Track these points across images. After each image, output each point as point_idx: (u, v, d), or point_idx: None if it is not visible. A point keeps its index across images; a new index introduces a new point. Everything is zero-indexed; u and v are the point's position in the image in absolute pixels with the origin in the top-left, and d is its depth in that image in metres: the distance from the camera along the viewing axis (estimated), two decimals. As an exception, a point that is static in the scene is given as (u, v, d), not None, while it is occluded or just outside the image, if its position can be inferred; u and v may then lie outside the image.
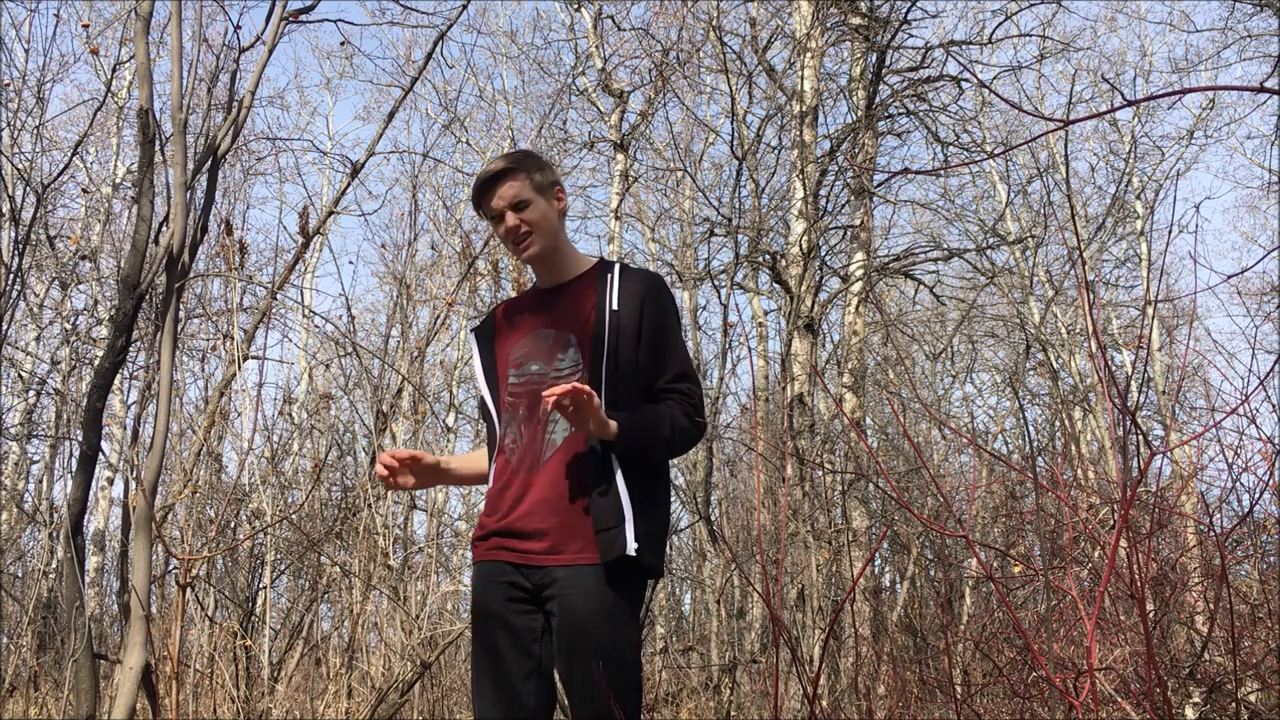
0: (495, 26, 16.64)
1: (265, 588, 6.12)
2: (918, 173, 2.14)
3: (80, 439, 3.72)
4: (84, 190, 12.13)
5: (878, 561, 8.84)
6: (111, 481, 11.23)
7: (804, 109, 6.57)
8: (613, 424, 2.04)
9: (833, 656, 5.38)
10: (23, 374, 11.16)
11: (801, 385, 6.09)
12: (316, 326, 9.38)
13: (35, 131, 7.32)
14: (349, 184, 5.97)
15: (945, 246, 10.18)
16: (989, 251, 9.11)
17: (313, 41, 21.72)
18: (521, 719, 2.05)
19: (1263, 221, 17.85)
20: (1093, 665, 1.89)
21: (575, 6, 10.72)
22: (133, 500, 3.86)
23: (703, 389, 2.23)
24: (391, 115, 5.93)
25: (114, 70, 6.96)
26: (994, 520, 7.57)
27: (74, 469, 3.70)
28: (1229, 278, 2.17)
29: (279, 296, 6.21)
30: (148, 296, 4.03)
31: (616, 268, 2.24)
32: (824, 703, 4.99)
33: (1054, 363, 11.76)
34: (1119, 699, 2.67)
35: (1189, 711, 3.25)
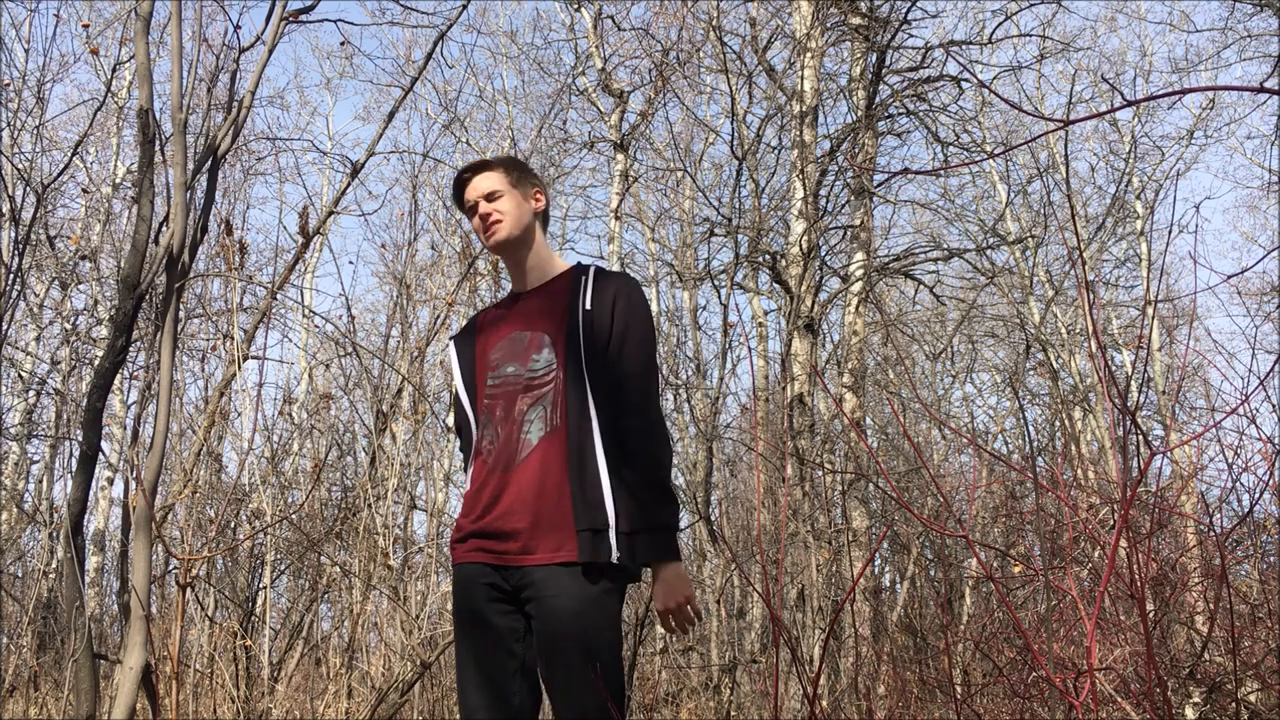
0: (495, 26, 16.65)
1: (265, 588, 6.12)
2: (918, 173, 2.14)
3: (80, 439, 3.72)
4: (84, 190, 12.13)
5: (878, 561, 8.84)
6: (111, 481, 11.23)
7: (804, 109, 6.57)
8: (674, 563, 2.07)
9: (833, 656, 5.38)
10: (23, 374, 11.16)
11: (801, 385, 6.09)
12: (316, 326, 9.38)
13: (35, 131, 7.32)
14: (349, 184, 5.97)
15: (945, 246, 10.19)
16: (989, 251, 9.11)
17: (313, 41, 21.75)
18: (509, 719, 2.05)
19: (1263, 221, 17.85)
20: (1093, 665, 1.89)
21: (575, 6, 10.72)
22: (133, 500, 3.86)
23: (659, 387, 2.23)
24: (391, 115, 5.93)
25: (114, 70, 6.96)
26: (994, 520, 7.57)
27: (74, 469, 3.70)
28: (1229, 278, 2.17)
29: (279, 296, 6.21)
30: (148, 296, 4.03)
31: (591, 270, 2.24)
32: (824, 703, 4.99)
33: (1054, 363, 11.76)
34: (1119, 699, 2.67)
35: (1189, 711, 3.25)
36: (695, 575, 10.42)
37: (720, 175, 13.44)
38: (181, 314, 7.13)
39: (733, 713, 6.51)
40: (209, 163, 3.87)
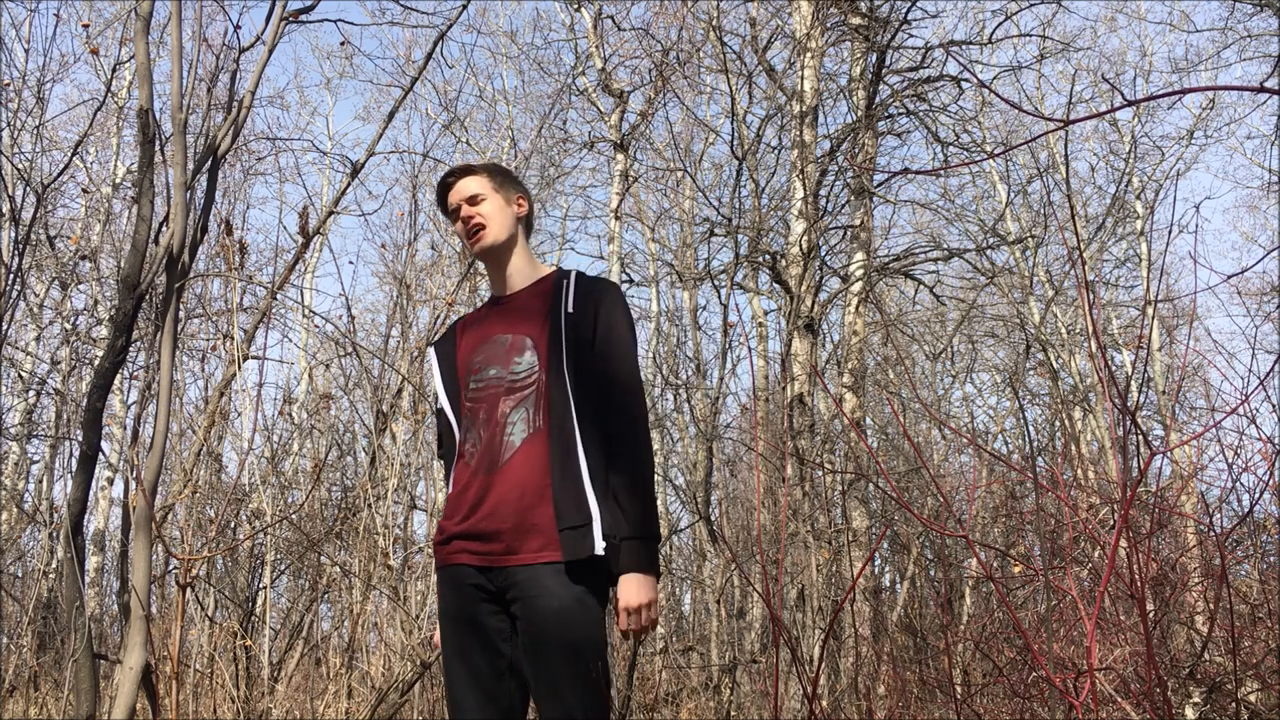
0: (495, 26, 16.66)
1: (265, 588, 6.12)
2: (918, 173, 2.14)
3: (80, 439, 3.72)
4: (84, 190, 12.13)
5: (878, 561, 8.84)
6: (111, 481, 11.23)
7: (804, 109, 6.57)
8: (648, 575, 2.06)
9: (833, 656, 5.39)
10: (23, 374, 11.16)
11: (801, 385, 6.09)
12: (316, 326, 9.38)
13: (35, 131, 7.32)
14: (349, 184, 5.98)
15: (945, 246, 10.19)
16: (989, 251, 9.11)
17: (313, 41, 21.74)
18: (498, 719, 2.06)
19: (1263, 221, 17.85)
20: (1093, 665, 1.89)
21: (575, 6, 10.72)
22: (133, 500, 3.86)
23: (644, 390, 2.25)
24: (391, 115, 5.93)
25: (114, 70, 6.96)
26: (994, 520, 7.57)
27: (74, 469, 3.70)
28: (1229, 278, 2.17)
29: (279, 296, 6.22)
30: (148, 296, 4.03)
31: (573, 274, 2.27)
32: (824, 703, 4.99)
33: (1054, 363, 11.76)
34: (1119, 699, 2.67)
35: (1189, 711, 3.25)
36: (695, 575, 10.42)
37: (720, 175, 13.45)
38: (181, 314, 7.13)
39: (733, 713, 6.51)
40: (209, 163, 3.87)
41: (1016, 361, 13.35)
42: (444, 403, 2.28)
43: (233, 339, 5.78)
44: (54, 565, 8.32)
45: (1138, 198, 14.13)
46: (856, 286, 6.69)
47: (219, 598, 6.36)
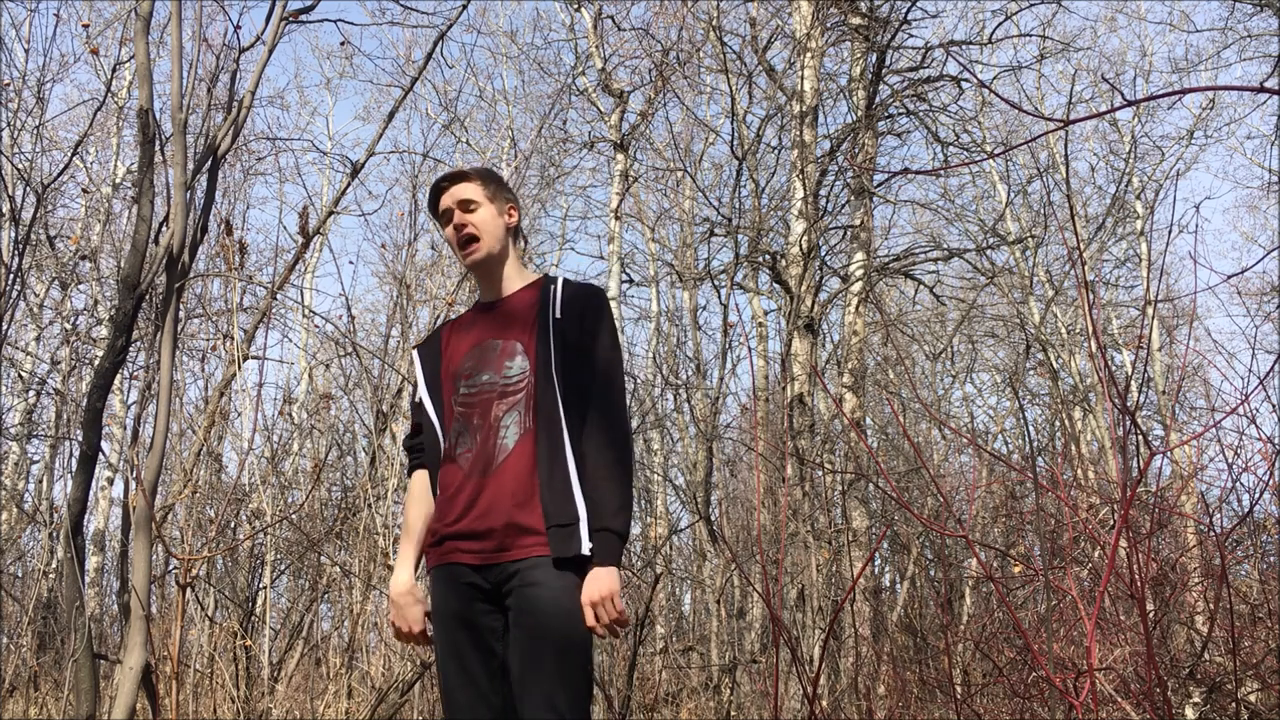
0: (495, 26, 16.64)
1: (265, 588, 6.12)
2: (918, 173, 2.14)
3: (80, 439, 3.72)
4: (84, 190, 12.13)
5: (878, 561, 8.85)
6: (111, 481, 11.23)
7: (804, 109, 6.57)
8: (613, 566, 2.08)
9: (833, 656, 5.38)
10: (23, 374, 11.16)
11: (801, 385, 6.09)
12: (316, 326, 9.38)
13: (35, 131, 7.32)
14: (349, 184, 5.98)
15: (945, 246, 10.19)
16: (989, 251, 9.11)
17: (313, 41, 21.69)
18: (491, 718, 2.09)
19: (1263, 221, 17.85)
20: (1093, 665, 1.89)
21: (575, 6, 10.72)
22: (133, 500, 3.86)
23: (625, 393, 2.30)
24: (391, 115, 5.93)
25: (114, 70, 6.96)
26: (994, 520, 7.57)
27: (74, 469, 3.70)
28: (1229, 278, 2.17)
29: (279, 296, 6.22)
30: (148, 296, 4.03)
31: (560, 280, 2.31)
32: (824, 703, 4.99)
33: (1054, 363, 11.76)
34: (1119, 699, 2.67)
35: (1189, 711, 3.25)
36: (695, 575, 10.42)
37: (720, 175, 13.45)
38: (181, 314, 7.13)
39: (733, 713, 6.51)
40: (209, 163, 3.87)
41: (1016, 361, 13.35)
42: (425, 398, 2.31)
43: (233, 339, 5.78)
44: (54, 565, 8.32)
45: (1138, 198, 14.13)
46: (856, 286, 6.69)
47: (219, 598, 6.36)
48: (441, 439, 2.26)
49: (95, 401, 3.49)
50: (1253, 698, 3.47)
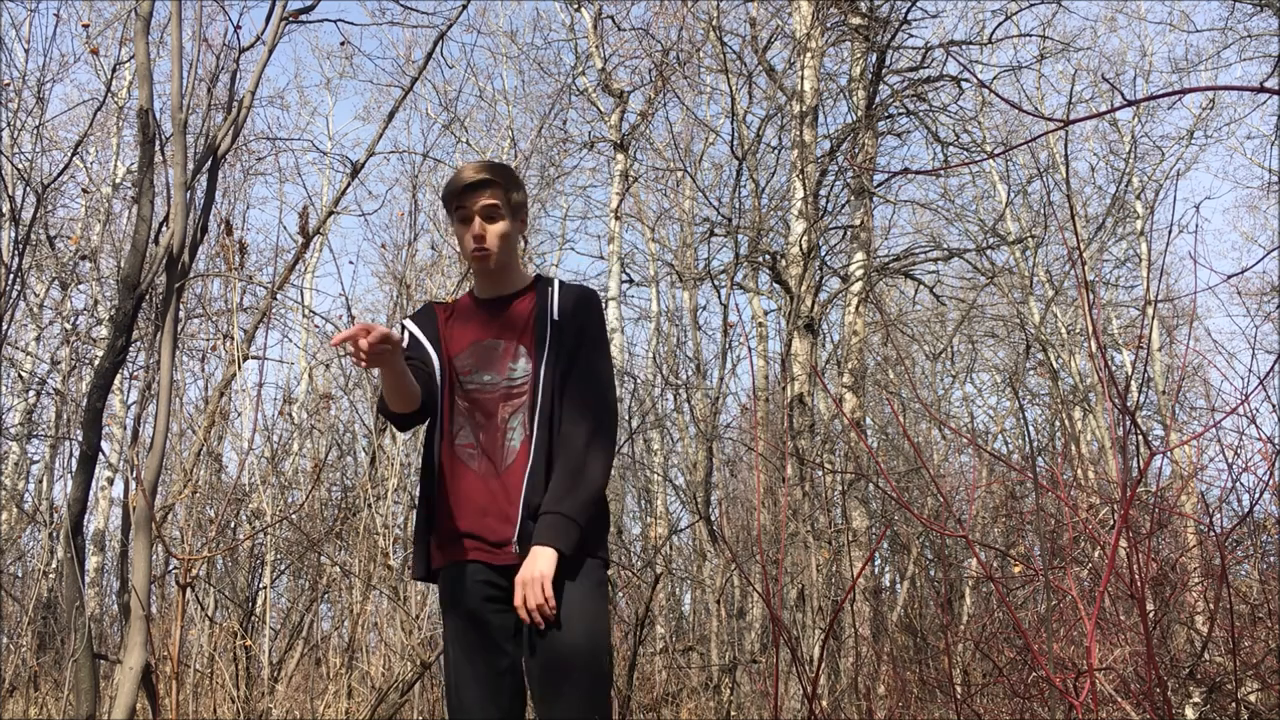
0: (495, 26, 16.64)
1: (265, 588, 6.12)
2: (918, 173, 2.14)
3: (80, 439, 3.72)
4: (84, 190, 12.13)
5: (878, 561, 8.84)
6: (111, 481, 11.23)
7: (804, 109, 6.57)
8: (554, 549, 2.07)
9: (833, 656, 5.38)
10: (23, 374, 11.16)
11: (801, 385, 6.09)
12: (316, 326, 9.37)
13: (35, 131, 7.31)
14: (349, 184, 5.98)
15: (945, 246, 10.19)
16: (989, 251, 9.11)
17: (313, 41, 21.69)
18: (500, 718, 2.09)
19: (1263, 221, 17.85)
20: (1093, 665, 1.89)
21: (575, 6, 10.72)
22: (133, 500, 3.86)
23: (617, 405, 2.34)
24: (391, 115, 5.93)
25: (114, 70, 6.96)
26: (994, 520, 7.57)
27: (74, 469, 3.70)
28: (1229, 278, 2.17)
29: (279, 296, 6.22)
30: (148, 296, 4.03)
31: (556, 282, 2.34)
32: (824, 703, 4.99)
33: (1054, 363, 11.76)
34: (1119, 699, 2.66)
35: (1189, 711, 3.25)
36: (695, 575, 10.42)
37: (720, 175, 13.45)
38: (181, 314, 7.13)
39: (733, 713, 6.50)
40: (209, 163, 3.87)
41: (1016, 361, 13.35)
42: (434, 364, 2.28)
43: (233, 339, 5.78)
44: (54, 565, 8.32)
45: (1138, 198, 14.13)
46: (856, 286, 6.69)
47: (219, 598, 6.36)
48: (440, 408, 2.26)
49: (95, 401, 3.49)
50: (1253, 698, 3.47)
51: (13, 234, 6.62)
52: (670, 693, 7.76)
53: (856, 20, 6.99)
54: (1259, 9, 8.56)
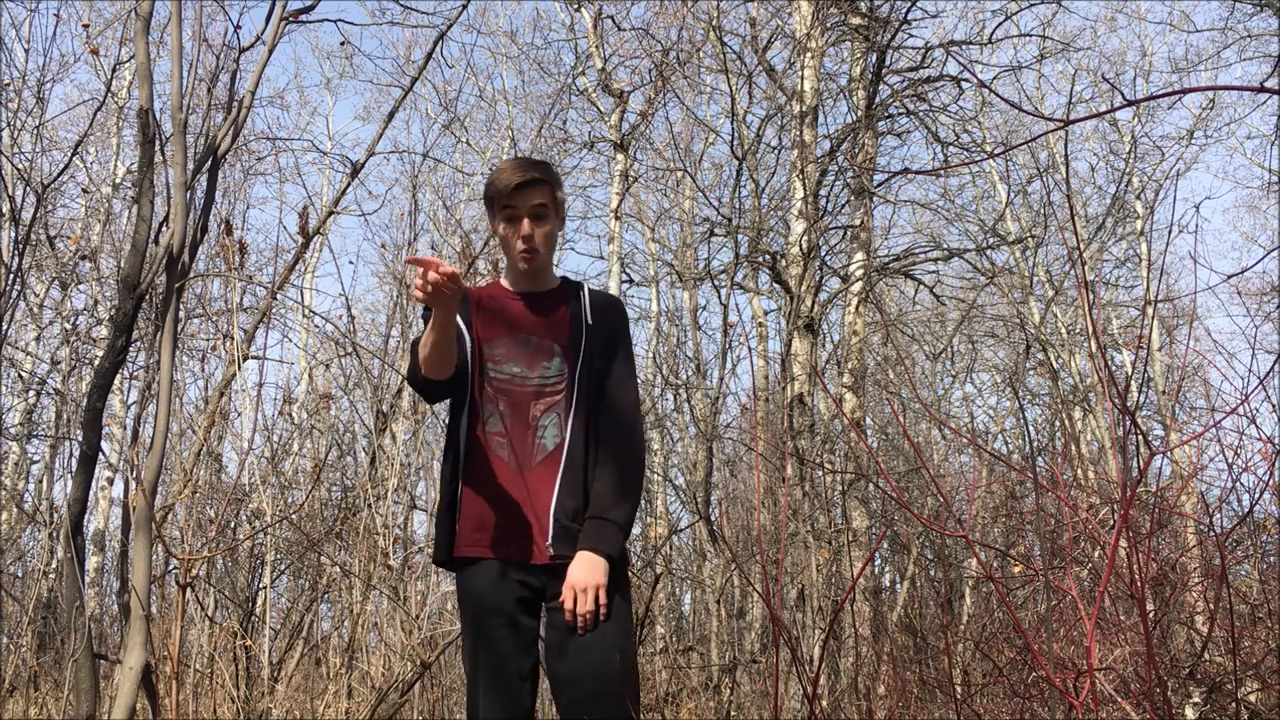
0: (495, 26, 16.64)
1: (265, 588, 6.12)
2: (918, 173, 2.14)
3: (80, 439, 3.72)
4: (84, 190, 12.13)
5: (878, 561, 8.84)
6: (111, 481, 11.23)
7: (804, 109, 6.57)
8: (606, 556, 2.12)
9: (833, 656, 5.38)
10: (23, 374, 11.16)
11: (801, 385, 6.09)
12: (316, 326, 9.38)
13: (35, 131, 7.32)
14: (349, 184, 5.98)
15: (945, 246, 10.18)
16: (989, 251, 9.10)
17: (313, 41, 21.68)
18: (520, 718, 2.10)
19: (1263, 221, 17.85)
20: (1093, 665, 1.89)
21: (575, 6, 10.72)
22: (133, 500, 3.86)
23: (641, 405, 2.38)
24: (391, 115, 5.93)
25: (114, 70, 6.96)
26: (994, 520, 7.56)
27: (74, 469, 3.70)
28: (1229, 278, 2.17)
29: (279, 296, 6.22)
30: (148, 296, 4.03)
31: (585, 287, 2.38)
32: (824, 703, 4.99)
33: (1054, 363, 11.76)
34: (1119, 699, 2.66)
35: (1189, 711, 3.25)
36: (695, 575, 10.42)
37: (720, 175, 13.45)
38: (181, 314, 7.12)
39: (733, 713, 6.50)
40: (209, 163, 3.86)
41: (1016, 361, 13.35)
42: (464, 333, 2.26)
43: (233, 339, 5.78)
44: (54, 565, 8.31)
45: (1138, 198, 14.13)
46: (856, 286, 6.69)
47: (219, 598, 6.36)
48: (470, 389, 2.25)
49: (95, 401, 3.49)
50: (1253, 698, 3.47)
51: (13, 234, 6.62)
52: (670, 693, 7.76)
53: (856, 20, 6.99)
54: (1259, 9, 8.56)
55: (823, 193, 6.67)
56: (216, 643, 5.77)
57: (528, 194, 2.25)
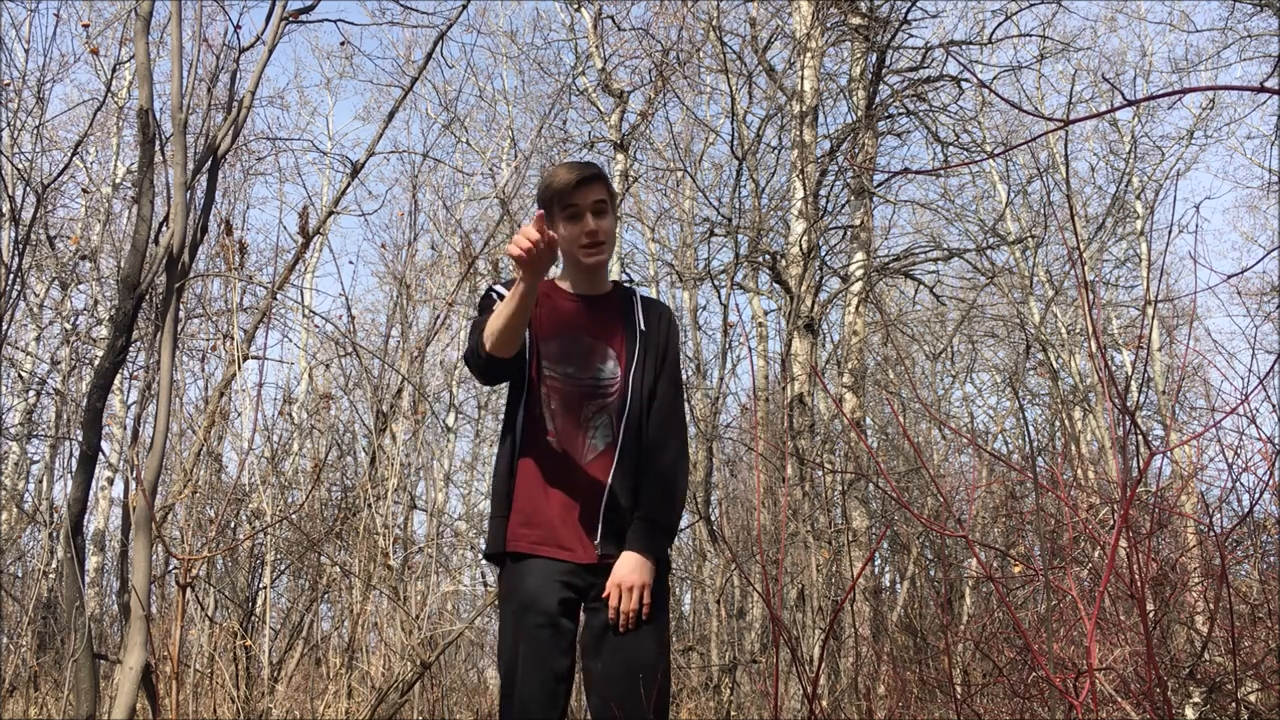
0: (495, 26, 16.63)
1: (265, 588, 6.12)
2: (918, 173, 2.15)
3: (80, 439, 3.72)
4: (84, 190, 12.13)
5: (878, 561, 8.84)
6: (111, 481, 11.23)
7: (804, 109, 6.57)
8: (653, 558, 2.18)
9: (833, 656, 5.38)
10: (23, 374, 11.16)
11: (801, 385, 6.09)
12: (316, 326, 9.37)
13: (35, 131, 7.31)
14: (349, 184, 5.98)
15: (945, 246, 10.18)
16: (989, 251, 9.11)
17: (313, 41, 21.68)
18: (555, 719, 2.11)
19: (1263, 221, 17.85)
20: (1093, 665, 1.89)
21: (575, 6, 10.72)
22: (133, 500, 3.86)
23: (686, 413, 2.46)
24: (391, 115, 5.93)
25: (114, 70, 6.96)
26: (994, 520, 7.57)
27: (74, 469, 3.70)
28: (1229, 278, 2.17)
29: (279, 296, 6.22)
30: (148, 296, 4.03)
31: (638, 293, 2.42)
32: (824, 703, 4.99)
33: (1054, 363, 11.76)
34: (1119, 699, 2.66)
35: (1189, 711, 3.25)
36: (695, 575, 10.41)
37: (720, 175, 13.45)
38: (181, 314, 7.12)
39: (733, 713, 6.50)
40: (209, 163, 3.86)
41: (1016, 361, 13.35)
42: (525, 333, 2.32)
43: (233, 339, 5.78)
44: (54, 565, 8.31)
45: (1138, 198, 14.13)
46: (856, 286, 6.69)
47: (219, 598, 6.36)
48: (526, 380, 2.27)
49: (95, 401, 3.49)
50: (1253, 698, 3.47)
51: (13, 234, 6.62)
52: (670, 693, 7.76)
53: (856, 20, 6.99)
54: (1259, 9, 8.56)
55: (823, 193, 6.67)
56: (216, 643, 5.77)
57: (588, 191, 2.27)
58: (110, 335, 3.68)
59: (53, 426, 11.37)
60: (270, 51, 4.26)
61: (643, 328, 2.32)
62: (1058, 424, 12.76)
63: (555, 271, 2.43)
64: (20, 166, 6.34)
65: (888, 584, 9.68)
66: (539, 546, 2.17)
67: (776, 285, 7.01)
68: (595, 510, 2.18)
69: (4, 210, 6.14)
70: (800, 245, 6.27)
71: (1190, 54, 21.40)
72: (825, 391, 6.63)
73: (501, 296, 2.29)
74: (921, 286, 8.60)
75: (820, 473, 6.06)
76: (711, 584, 8.29)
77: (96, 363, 9.57)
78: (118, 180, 11.85)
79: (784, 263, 6.42)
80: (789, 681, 5.26)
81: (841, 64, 8.25)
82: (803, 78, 6.64)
